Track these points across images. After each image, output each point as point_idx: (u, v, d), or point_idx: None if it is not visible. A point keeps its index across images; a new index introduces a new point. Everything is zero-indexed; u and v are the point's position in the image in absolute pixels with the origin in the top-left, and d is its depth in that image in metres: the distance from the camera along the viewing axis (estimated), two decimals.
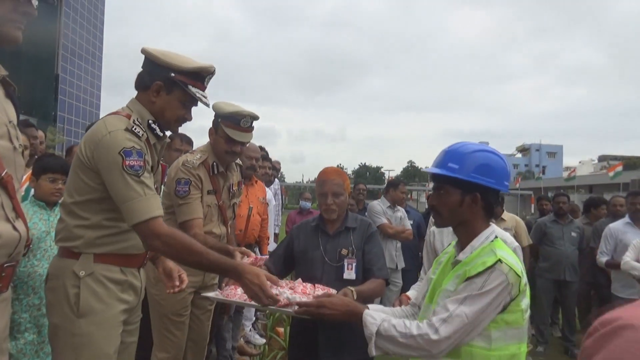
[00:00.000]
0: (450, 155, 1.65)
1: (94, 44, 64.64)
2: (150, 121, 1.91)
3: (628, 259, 3.86)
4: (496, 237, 1.63)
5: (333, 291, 2.23)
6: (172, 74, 1.89)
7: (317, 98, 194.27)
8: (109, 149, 1.74)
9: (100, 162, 1.75)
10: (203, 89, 1.99)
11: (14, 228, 1.37)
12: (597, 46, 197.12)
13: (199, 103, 1.99)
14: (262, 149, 4.57)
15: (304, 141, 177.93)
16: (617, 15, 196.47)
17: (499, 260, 1.50)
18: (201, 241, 2.51)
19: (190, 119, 2.01)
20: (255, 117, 2.84)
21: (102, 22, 67.01)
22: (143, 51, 1.94)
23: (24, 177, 2.90)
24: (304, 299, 1.85)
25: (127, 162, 1.73)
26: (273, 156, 5.61)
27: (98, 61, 66.35)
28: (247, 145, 3.46)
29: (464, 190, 1.61)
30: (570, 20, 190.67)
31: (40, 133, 3.77)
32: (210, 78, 2.02)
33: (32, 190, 2.82)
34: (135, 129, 1.80)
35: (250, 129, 2.84)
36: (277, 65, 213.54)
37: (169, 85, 1.90)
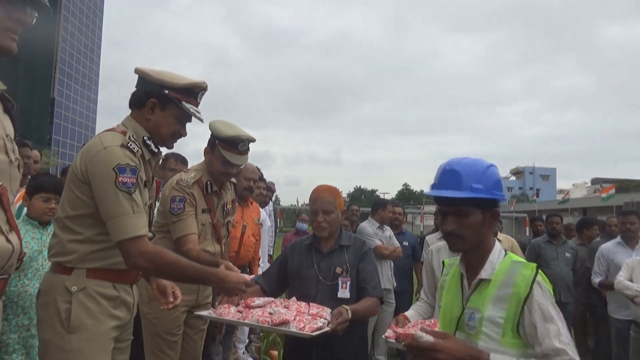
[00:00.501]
0: (470, 176, 1.55)
1: (91, 68, 65.28)
2: (145, 137, 1.93)
3: (621, 278, 3.86)
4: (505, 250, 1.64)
5: (328, 310, 2.22)
6: (166, 91, 1.93)
7: (312, 122, 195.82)
8: (103, 164, 1.76)
9: (93, 176, 1.77)
10: (196, 104, 2.03)
11: (7, 240, 1.37)
12: (587, 71, 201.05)
13: (193, 118, 2.03)
14: (258, 169, 4.59)
15: (299, 165, 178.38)
16: (604, 41, 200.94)
17: (535, 267, 1.53)
18: (194, 256, 2.52)
19: (185, 134, 2.04)
20: (252, 140, 2.86)
21: (99, 47, 67.87)
22: (137, 71, 1.99)
23: (17, 195, 2.90)
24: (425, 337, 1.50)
25: (120, 179, 1.74)
26: (268, 179, 5.64)
27: (94, 85, 66.89)
28: (245, 166, 3.48)
29: (483, 209, 1.56)
30: (560, 45, 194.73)
31: (34, 152, 3.78)
32: (203, 94, 2.06)
33: (25, 209, 2.81)
34: (130, 145, 1.83)
35: (246, 151, 2.86)
36: (272, 89, 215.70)
37: (163, 102, 1.94)
